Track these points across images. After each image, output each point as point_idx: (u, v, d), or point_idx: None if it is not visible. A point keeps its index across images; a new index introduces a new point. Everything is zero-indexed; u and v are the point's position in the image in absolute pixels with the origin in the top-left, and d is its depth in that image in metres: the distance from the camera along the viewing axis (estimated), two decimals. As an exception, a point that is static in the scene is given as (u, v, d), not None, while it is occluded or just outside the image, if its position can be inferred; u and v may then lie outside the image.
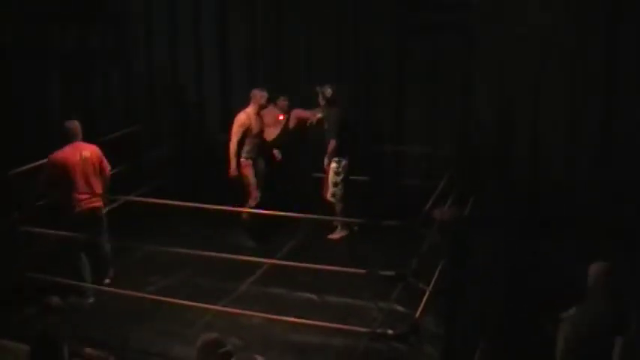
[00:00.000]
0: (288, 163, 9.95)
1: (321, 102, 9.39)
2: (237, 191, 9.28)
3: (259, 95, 9.15)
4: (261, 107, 9.23)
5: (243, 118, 9.06)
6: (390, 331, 6.77)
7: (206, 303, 7.35)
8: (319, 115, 9.55)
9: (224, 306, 7.46)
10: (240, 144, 9.06)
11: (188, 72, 11.78)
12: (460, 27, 10.13)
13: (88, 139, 8.12)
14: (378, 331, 6.89)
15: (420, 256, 7.09)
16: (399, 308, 7.46)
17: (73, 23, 11.84)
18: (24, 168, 8.32)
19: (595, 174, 9.66)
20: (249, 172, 9.18)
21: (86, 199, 7.81)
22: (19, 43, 11.62)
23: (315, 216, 8.22)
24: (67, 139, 7.85)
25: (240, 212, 8.97)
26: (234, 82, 11.40)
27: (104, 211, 8.14)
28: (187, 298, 7.42)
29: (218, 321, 7.22)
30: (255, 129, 9.13)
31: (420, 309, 6.82)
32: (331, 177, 9.36)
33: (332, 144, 9.27)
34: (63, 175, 7.70)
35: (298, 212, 7.62)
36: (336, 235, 9.44)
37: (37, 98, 11.93)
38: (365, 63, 10.81)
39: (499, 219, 9.12)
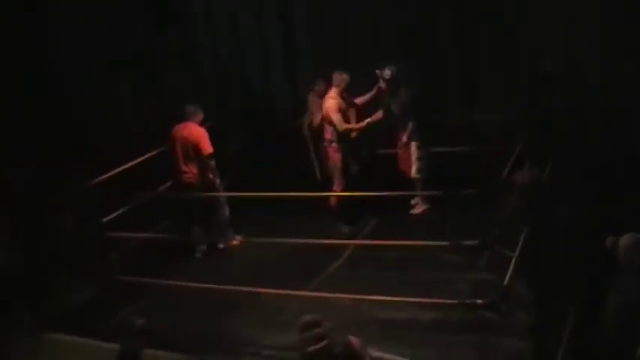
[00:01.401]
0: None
1: (382, 85, 9.31)
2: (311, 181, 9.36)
3: (339, 78, 9.12)
4: (343, 90, 9.17)
5: (333, 103, 9.05)
6: (479, 301, 6.72)
7: (294, 289, 7.43)
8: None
9: (312, 290, 7.51)
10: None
11: (254, 67, 11.88)
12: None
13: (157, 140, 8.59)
14: (468, 301, 6.84)
15: (502, 223, 7.01)
16: (487, 277, 7.38)
17: (141, 24, 12.00)
18: (106, 176, 8.52)
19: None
20: (338, 158, 9.22)
21: (181, 173, 8.73)
22: (87, 46, 11.85)
23: (400, 192, 8.20)
24: (182, 118, 8.82)
25: (328, 198, 9.06)
26: (300, 72, 11.44)
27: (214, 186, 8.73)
28: (275, 286, 7.51)
29: (307, 305, 7.24)
30: (344, 112, 9.15)
31: (508, 276, 6.76)
32: (415, 153, 9.31)
33: (411, 125, 9.22)
34: (171, 148, 8.81)
35: (373, 190, 7.63)
36: (417, 210, 9.41)
37: (109, 101, 12.17)
38: (426, 31, 10.69)
39: (577, 182, 8.93)
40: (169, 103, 12.09)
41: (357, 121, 9.39)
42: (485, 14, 10.34)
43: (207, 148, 8.62)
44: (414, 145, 9.26)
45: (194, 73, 12.13)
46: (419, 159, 9.29)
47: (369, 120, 9.23)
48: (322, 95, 9.73)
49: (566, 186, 8.49)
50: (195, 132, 8.67)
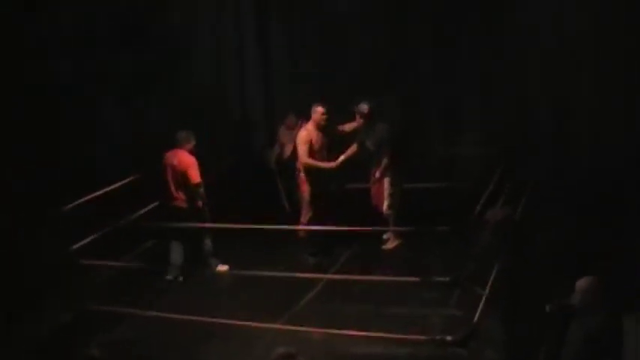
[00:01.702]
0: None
1: (359, 120, 9.32)
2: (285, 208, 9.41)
3: (315, 111, 9.13)
4: (321, 123, 9.12)
5: (304, 134, 9.08)
6: (449, 338, 6.77)
7: (266, 322, 7.44)
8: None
9: (284, 323, 7.52)
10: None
11: (234, 91, 11.96)
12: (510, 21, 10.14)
13: (140, 164, 8.59)
14: (438, 337, 6.88)
15: (474, 260, 7.08)
16: (457, 313, 7.41)
17: (123, 47, 12.01)
18: (80, 201, 8.53)
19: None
20: (306, 189, 9.20)
21: (172, 198, 8.85)
22: (72, 68, 11.85)
23: (371, 228, 8.26)
24: (177, 145, 8.91)
25: (297, 230, 9.07)
26: (278, 99, 11.53)
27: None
28: (247, 318, 7.51)
29: (279, 339, 7.28)
30: (316, 145, 9.10)
31: (478, 313, 6.81)
32: (387, 189, 9.35)
33: (385, 161, 9.23)
34: (162, 174, 8.89)
35: (346, 225, 7.68)
36: (389, 245, 9.46)
37: (92, 123, 12.15)
38: (405, 63, 10.82)
39: (554, 218, 9.03)
40: (147, 126, 12.15)
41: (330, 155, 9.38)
42: (468, 50, 10.52)
43: (195, 177, 8.69)
44: (387, 181, 9.30)
45: (171, 97, 12.15)
46: (391, 195, 9.29)
47: (342, 158, 9.25)
48: (293, 128, 9.83)
49: (541, 223, 8.61)
50: (185, 161, 8.74)
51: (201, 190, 8.75)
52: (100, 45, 11.61)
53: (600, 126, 9.96)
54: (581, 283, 5.15)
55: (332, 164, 9.09)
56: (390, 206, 9.28)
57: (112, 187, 9.09)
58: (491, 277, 7.11)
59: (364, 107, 9.23)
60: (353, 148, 9.38)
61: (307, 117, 9.35)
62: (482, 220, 7.36)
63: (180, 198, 8.81)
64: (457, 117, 10.78)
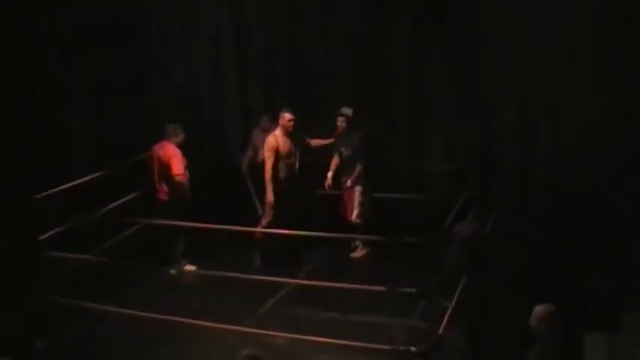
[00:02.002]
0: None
1: (341, 125, 9.38)
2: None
3: (283, 117, 9.11)
4: (287, 129, 9.13)
5: (271, 140, 9.04)
6: (413, 349, 6.77)
7: (229, 324, 7.39)
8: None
9: (248, 327, 7.48)
10: (274, 168, 9.03)
11: (207, 94, 11.92)
12: (475, 38, 10.19)
13: (111, 162, 8.47)
14: (402, 348, 6.89)
15: (441, 273, 7.10)
16: (422, 325, 7.45)
17: (92, 50, 11.93)
18: (48, 193, 8.42)
19: (619, 186, 9.60)
20: (271, 199, 9.07)
21: (155, 190, 9.06)
22: (40, 71, 11.74)
23: (336, 234, 8.26)
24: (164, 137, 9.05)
25: (254, 232, 9.02)
26: (252, 102, 11.50)
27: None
28: (212, 320, 7.47)
29: (242, 342, 7.25)
30: (283, 151, 9.06)
31: (443, 325, 6.83)
32: (357, 198, 9.36)
33: (358, 169, 9.29)
34: (149, 165, 9.11)
35: (315, 231, 7.68)
36: (357, 254, 9.46)
37: (60, 125, 12.04)
38: (380, 78, 10.85)
39: (520, 233, 9.11)
40: (119, 126, 12.08)
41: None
42: (439, 63, 10.57)
43: (176, 168, 8.84)
44: (357, 190, 9.32)
45: (146, 98, 12.09)
46: (361, 204, 9.34)
47: (330, 174, 9.41)
48: (267, 130, 9.82)
49: (507, 239, 8.68)
50: (169, 152, 8.94)
51: (183, 182, 8.89)
52: (73, 45, 11.53)
53: (568, 138, 10.06)
54: (538, 310, 5.17)
55: (270, 198, 9.00)
56: (358, 215, 9.30)
57: (84, 179, 8.97)
58: (458, 290, 7.14)
59: (349, 111, 9.28)
60: (335, 160, 9.50)
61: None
62: (450, 234, 7.37)
63: (163, 190, 8.94)
64: (427, 130, 10.83)
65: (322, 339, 7.04)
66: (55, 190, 8.51)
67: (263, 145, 9.75)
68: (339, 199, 9.62)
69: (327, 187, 9.47)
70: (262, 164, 9.54)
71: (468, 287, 7.01)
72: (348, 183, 9.35)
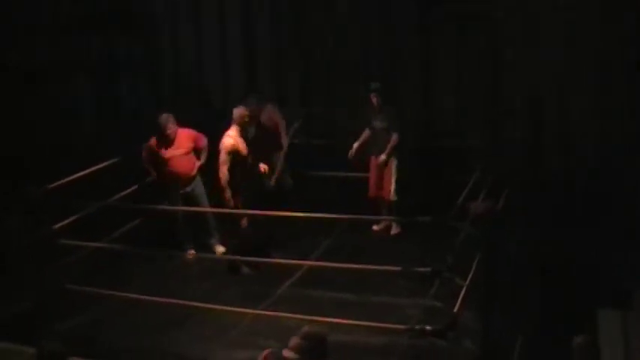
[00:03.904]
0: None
1: (376, 100, 9.30)
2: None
3: (238, 114, 8.48)
4: (244, 126, 8.52)
5: (229, 143, 8.33)
6: (428, 328, 6.76)
7: (244, 307, 7.41)
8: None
9: (262, 309, 7.50)
10: (231, 171, 8.34)
11: (214, 78, 11.91)
12: (485, 17, 10.13)
13: (118, 148, 8.59)
14: (417, 327, 6.87)
15: (455, 252, 7.08)
16: (437, 304, 7.42)
17: (99, 33, 11.96)
18: (61, 181, 8.45)
19: (629, 161, 9.55)
20: (237, 200, 8.44)
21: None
22: (47, 55, 11.78)
23: (351, 216, 8.24)
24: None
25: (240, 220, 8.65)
26: (260, 87, 11.44)
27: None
28: (225, 303, 7.49)
29: (257, 324, 7.28)
30: (243, 151, 8.46)
31: (457, 304, 6.81)
32: (394, 173, 9.35)
33: (394, 138, 9.26)
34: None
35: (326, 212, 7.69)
36: (395, 231, 9.47)
37: (68, 110, 12.10)
38: (390, 57, 10.84)
39: (533, 211, 9.08)
40: (128, 109, 12.12)
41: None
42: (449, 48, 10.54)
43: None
44: (394, 165, 9.32)
45: (153, 81, 12.11)
46: (397, 179, 9.34)
47: (356, 145, 9.38)
48: (254, 109, 9.74)
49: (520, 216, 8.66)
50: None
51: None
52: (76, 32, 11.56)
53: (579, 126, 10.03)
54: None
55: (231, 201, 8.32)
56: (395, 191, 9.30)
57: (93, 168, 8.99)
58: (472, 269, 7.11)
59: (379, 85, 9.28)
60: (366, 134, 9.44)
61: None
62: (464, 212, 7.34)
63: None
64: (437, 107, 10.81)
65: (337, 319, 7.02)
66: (68, 178, 8.52)
67: (252, 123, 9.69)
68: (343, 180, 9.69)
69: (349, 156, 9.40)
70: (254, 142, 9.47)
71: (481, 265, 6.98)
72: (382, 157, 9.29)
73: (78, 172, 8.72)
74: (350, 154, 9.42)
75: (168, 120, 8.81)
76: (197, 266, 8.87)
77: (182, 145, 8.87)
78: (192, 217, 8.95)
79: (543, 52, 10.00)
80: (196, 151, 8.99)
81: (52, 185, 8.36)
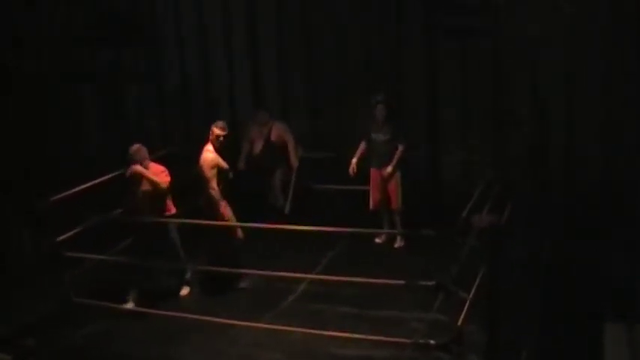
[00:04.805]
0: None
1: (381, 112, 9.29)
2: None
3: (214, 133, 8.23)
4: (217, 140, 8.23)
5: (210, 158, 8.19)
6: (432, 342, 6.75)
7: (249, 320, 7.41)
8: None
9: (267, 323, 7.50)
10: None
11: (221, 91, 11.96)
12: (488, 29, 10.16)
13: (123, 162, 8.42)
14: (421, 341, 6.87)
15: (459, 265, 7.06)
16: (441, 318, 7.42)
17: (106, 46, 12.02)
18: (65, 194, 8.46)
19: (633, 174, 9.54)
20: (228, 212, 8.37)
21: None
22: (53, 67, 11.83)
23: (355, 229, 8.24)
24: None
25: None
26: (268, 101, 11.48)
27: None
28: (231, 316, 7.49)
29: (262, 337, 7.28)
30: (223, 165, 8.34)
31: (462, 318, 6.80)
32: (399, 184, 9.38)
33: (401, 149, 9.27)
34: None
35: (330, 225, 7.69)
36: (400, 243, 9.50)
37: (73, 122, 12.16)
38: (394, 69, 10.88)
39: (537, 222, 9.08)
40: (134, 123, 12.17)
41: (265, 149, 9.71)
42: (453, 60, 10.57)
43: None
44: (399, 175, 9.35)
45: (159, 94, 12.16)
46: (401, 189, 9.39)
47: (354, 160, 9.35)
48: (264, 124, 9.87)
49: (524, 229, 8.65)
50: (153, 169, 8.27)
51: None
52: (83, 42, 11.63)
53: (583, 138, 10.02)
54: None
55: (225, 214, 8.24)
56: (401, 201, 9.35)
57: (99, 180, 8.99)
58: (476, 282, 7.10)
59: (383, 97, 9.29)
60: (362, 147, 9.45)
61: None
62: (468, 225, 7.33)
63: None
64: (442, 121, 10.84)
65: (341, 333, 7.02)
66: (72, 190, 8.53)
67: (258, 139, 9.92)
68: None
69: (351, 172, 9.38)
70: (259, 158, 9.77)
71: (486, 278, 6.97)
72: (389, 169, 9.29)
73: (84, 183, 8.70)
74: (351, 169, 9.39)
75: (138, 152, 8.17)
76: (201, 277, 8.85)
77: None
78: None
79: (547, 62, 10.01)
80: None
81: (57, 197, 8.36)
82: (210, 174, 8.19)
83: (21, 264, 8.82)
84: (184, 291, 8.54)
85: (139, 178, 8.08)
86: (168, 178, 8.15)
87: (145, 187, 8.10)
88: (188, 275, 8.57)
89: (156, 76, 12.21)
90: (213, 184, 8.20)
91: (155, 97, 12.32)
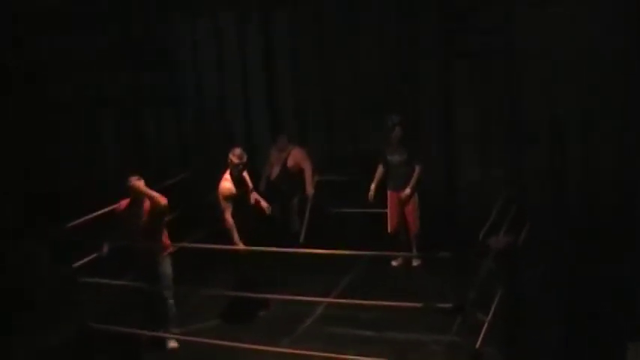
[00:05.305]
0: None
1: (399, 133, 9.26)
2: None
3: (230, 158, 8.14)
4: (235, 168, 8.14)
5: (225, 188, 8.07)
6: (450, 364, 6.74)
7: (266, 344, 7.39)
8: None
9: (285, 347, 7.48)
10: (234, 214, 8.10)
11: (237, 118, 12.06)
12: (503, 49, 10.18)
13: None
14: (439, 364, 6.86)
15: (476, 286, 7.04)
16: (459, 340, 7.37)
17: (125, 70, 12.12)
18: (82, 219, 8.51)
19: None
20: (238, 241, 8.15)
21: None
22: (73, 91, 11.94)
23: (371, 252, 8.23)
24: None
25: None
26: (284, 126, 11.48)
27: None
28: (249, 341, 7.47)
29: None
30: (238, 192, 8.17)
31: (479, 340, 6.77)
32: (417, 206, 9.37)
33: (419, 170, 9.23)
34: None
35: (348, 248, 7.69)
36: (415, 264, 9.50)
37: (91, 145, 12.24)
38: (410, 89, 10.91)
39: (555, 242, 9.04)
40: (151, 147, 12.25)
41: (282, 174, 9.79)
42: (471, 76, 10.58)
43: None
44: (416, 198, 9.33)
45: (177, 119, 12.25)
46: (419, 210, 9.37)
47: (373, 186, 9.34)
48: (283, 149, 9.94)
49: (541, 251, 8.62)
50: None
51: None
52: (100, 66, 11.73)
53: (599, 157, 10.01)
54: None
55: (240, 245, 8.02)
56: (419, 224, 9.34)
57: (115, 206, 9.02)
58: (494, 304, 7.08)
59: (396, 118, 9.25)
60: (380, 171, 9.44)
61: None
62: (484, 248, 7.33)
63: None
64: (459, 141, 10.84)
65: (359, 357, 6.99)
66: (89, 216, 8.59)
67: (277, 163, 9.95)
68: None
69: (370, 198, 9.36)
70: (277, 182, 9.76)
71: (504, 300, 6.95)
72: (407, 191, 9.25)
73: (101, 209, 8.74)
74: (370, 196, 9.36)
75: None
76: (220, 302, 8.85)
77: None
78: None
79: (565, 82, 10.03)
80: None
81: (75, 223, 8.41)
82: (225, 204, 8.07)
83: (40, 290, 8.85)
84: (173, 344, 7.94)
85: (138, 200, 7.77)
86: (165, 200, 7.82)
87: (141, 216, 7.77)
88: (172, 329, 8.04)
89: (177, 101, 12.29)
90: (227, 214, 8.05)
91: (174, 122, 12.41)
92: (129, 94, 12.20)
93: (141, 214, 7.75)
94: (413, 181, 9.23)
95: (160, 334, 7.88)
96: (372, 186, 9.36)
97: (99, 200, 8.97)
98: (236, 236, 8.07)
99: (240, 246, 8.06)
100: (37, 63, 11.26)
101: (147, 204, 7.75)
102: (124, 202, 7.89)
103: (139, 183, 7.76)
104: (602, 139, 9.96)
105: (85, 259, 8.13)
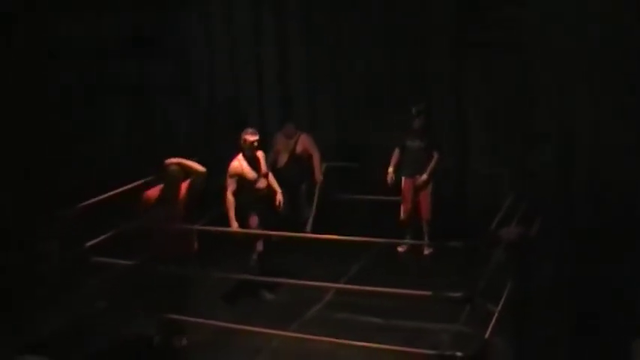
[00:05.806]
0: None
1: (422, 121, 9.34)
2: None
3: (244, 137, 8.27)
4: (249, 147, 8.24)
5: (235, 166, 8.21)
6: (458, 354, 6.69)
7: (273, 329, 7.38)
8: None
9: (291, 332, 7.49)
10: (237, 195, 8.22)
11: (250, 106, 12.03)
12: (515, 43, 10.13)
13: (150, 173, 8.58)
14: (447, 353, 6.81)
15: (486, 277, 7.02)
16: (467, 330, 7.36)
17: (135, 59, 12.12)
18: (94, 199, 8.52)
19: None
20: (253, 223, 8.37)
21: None
22: (81, 80, 11.95)
23: (381, 239, 8.21)
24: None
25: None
26: (296, 115, 11.47)
27: None
28: (254, 325, 7.46)
29: (285, 347, 7.26)
30: (248, 174, 8.29)
31: (489, 330, 6.75)
32: (431, 194, 9.41)
33: (436, 157, 9.33)
34: None
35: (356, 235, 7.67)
36: (427, 252, 9.50)
37: (101, 134, 12.24)
38: (421, 83, 10.89)
39: (564, 235, 9.01)
40: (161, 133, 12.25)
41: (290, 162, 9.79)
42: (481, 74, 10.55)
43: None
44: (431, 186, 9.38)
45: (188, 106, 12.23)
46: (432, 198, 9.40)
47: (391, 169, 9.39)
48: (290, 137, 9.91)
49: (552, 243, 8.58)
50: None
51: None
52: (111, 56, 11.74)
53: (609, 153, 9.98)
54: None
55: (235, 226, 8.10)
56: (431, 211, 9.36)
57: (125, 188, 9.03)
58: (504, 295, 7.05)
59: (423, 106, 9.34)
60: (397, 154, 9.46)
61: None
62: (495, 239, 7.30)
63: None
64: (469, 132, 10.83)
65: (366, 344, 6.98)
66: (101, 197, 8.59)
67: (284, 151, 9.91)
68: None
69: (389, 181, 9.40)
70: (283, 169, 9.68)
71: (514, 291, 6.92)
72: (425, 176, 9.33)
73: (109, 192, 8.75)
74: (389, 178, 9.40)
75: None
76: (225, 287, 8.84)
77: None
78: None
79: (575, 78, 10.00)
80: None
81: (84, 204, 8.41)
82: (230, 181, 8.18)
83: (49, 271, 8.85)
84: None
85: (172, 185, 7.45)
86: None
87: (174, 203, 7.46)
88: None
89: (188, 89, 12.28)
90: (229, 192, 8.16)
91: (185, 109, 12.39)
92: (140, 82, 12.20)
93: (174, 201, 7.42)
94: (431, 167, 9.31)
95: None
96: (390, 169, 9.42)
97: (107, 182, 9.02)
98: (232, 215, 8.12)
99: (234, 225, 8.11)
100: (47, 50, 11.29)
101: (183, 186, 7.46)
102: (153, 191, 7.52)
103: (180, 161, 7.50)
104: (612, 136, 9.90)
105: (96, 240, 8.14)
